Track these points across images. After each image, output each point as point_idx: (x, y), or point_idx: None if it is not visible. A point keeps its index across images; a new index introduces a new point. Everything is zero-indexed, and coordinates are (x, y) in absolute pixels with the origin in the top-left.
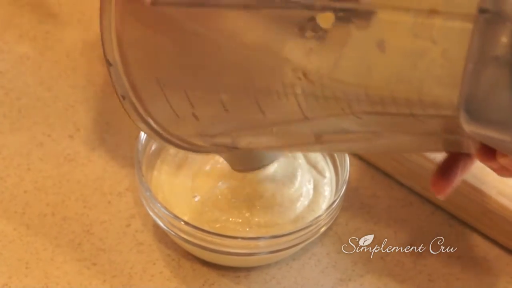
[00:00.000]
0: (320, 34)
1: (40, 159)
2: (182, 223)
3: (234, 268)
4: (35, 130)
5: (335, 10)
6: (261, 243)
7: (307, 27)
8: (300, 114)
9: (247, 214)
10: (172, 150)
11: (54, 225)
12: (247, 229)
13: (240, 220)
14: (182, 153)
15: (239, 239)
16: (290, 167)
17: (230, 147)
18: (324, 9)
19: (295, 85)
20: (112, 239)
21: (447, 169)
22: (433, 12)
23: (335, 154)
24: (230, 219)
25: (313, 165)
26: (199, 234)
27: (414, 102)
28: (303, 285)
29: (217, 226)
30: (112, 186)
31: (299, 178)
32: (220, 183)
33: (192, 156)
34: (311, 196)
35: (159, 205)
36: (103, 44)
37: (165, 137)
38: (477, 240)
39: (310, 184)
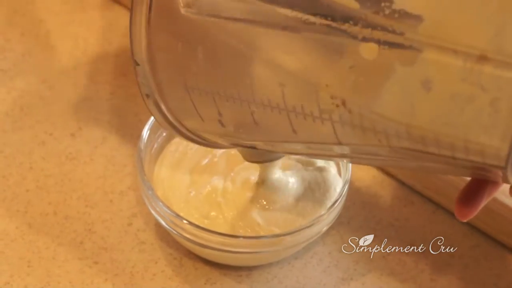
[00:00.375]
0: (362, 64)
1: (42, 157)
2: (184, 222)
3: (236, 267)
4: (37, 129)
5: (379, 42)
6: (263, 242)
7: (349, 56)
8: (334, 139)
9: (241, 211)
10: (172, 146)
11: (56, 224)
12: (240, 225)
13: (230, 217)
14: (182, 148)
15: (241, 238)
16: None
17: (249, 147)
18: (368, 39)
19: (333, 112)
20: (114, 238)
21: (472, 195)
22: (483, 58)
23: None
24: (220, 216)
25: (314, 164)
26: (201, 233)
27: (458, 148)
28: (305, 284)
29: (205, 221)
30: (114, 184)
31: (299, 176)
32: (214, 178)
33: (191, 151)
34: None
35: (161, 204)
36: (131, 43)
37: (184, 134)
38: (479, 239)
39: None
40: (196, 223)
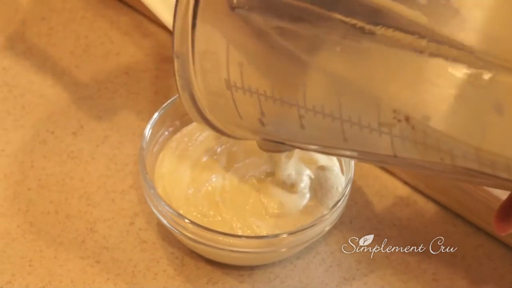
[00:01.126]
0: (429, 81)
1: (43, 156)
2: (186, 221)
3: (238, 266)
4: (39, 127)
5: (447, 60)
6: (265, 241)
7: (414, 71)
8: (390, 151)
9: (239, 214)
10: (173, 143)
11: (58, 223)
12: (238, 226)
13: (228, 217)
14: (182, 145)
15: (244, 238)
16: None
17: (278, 143)
18: (435, 55)
19: (393, 126)
20: (116, 237)
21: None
22: None
23: None
24: (218, 216)
25: (316, 163)
26: (203, 232)
27: None
28: (307, 284)
29: (204, 220)
30: (115, 184)
31: (302, 175)
32: (213, 176)
33: (193, 148)
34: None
35: (163, 203)
36: (173, 34)
37: (216, 127)
38: (482, 239)
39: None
40: (195, 221)
